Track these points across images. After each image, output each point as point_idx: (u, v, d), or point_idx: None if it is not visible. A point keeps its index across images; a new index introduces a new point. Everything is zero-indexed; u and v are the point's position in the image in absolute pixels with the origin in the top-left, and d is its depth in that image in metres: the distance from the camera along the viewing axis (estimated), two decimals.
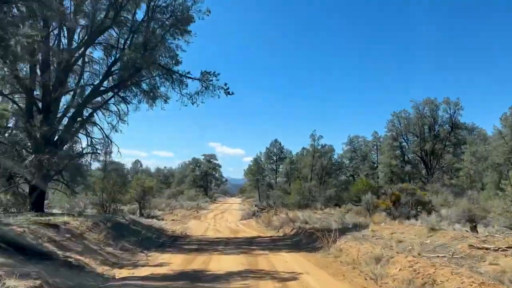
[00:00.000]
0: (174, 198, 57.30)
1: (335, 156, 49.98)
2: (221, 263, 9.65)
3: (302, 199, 37.32)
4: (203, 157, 77.92)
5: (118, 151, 17.91)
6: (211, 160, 78.00)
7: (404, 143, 45.21)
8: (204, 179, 77.37)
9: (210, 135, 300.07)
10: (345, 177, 49.79)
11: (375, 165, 49.40)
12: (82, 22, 15.01)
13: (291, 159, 54.23)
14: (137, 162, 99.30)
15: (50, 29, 14.15)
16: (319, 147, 45.13)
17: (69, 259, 7.78)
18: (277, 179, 58.26)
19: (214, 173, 79.71)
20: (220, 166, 79.56)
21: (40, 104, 14.33)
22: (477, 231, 12.33)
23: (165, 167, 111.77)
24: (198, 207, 45.84)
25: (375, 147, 49.52)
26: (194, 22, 16.01)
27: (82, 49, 15.18)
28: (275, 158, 57.78)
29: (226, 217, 37.39)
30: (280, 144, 57.78)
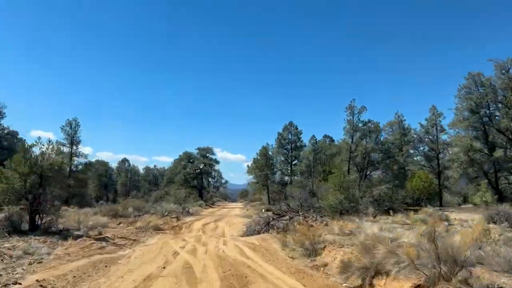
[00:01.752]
0: (161, 201, 45.11)
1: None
2: None
3: (345, 199, 22.86)
4: (197, 151, 63.42)
5: None
6: (207, 155, 63.34)
7: (486, 118, 30.71)
8: (198, 178, 62.91)
9: (210, 140, 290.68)
10: (393, 170, 35.07)
11: (437, 152, 34.67)
12: None
13: (314, 145, 39.56)
14: (124, 161, 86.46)
15: None
16: (361, 125, 30.60)
17: None
18: (293, 176, 43.72)
19: (210, 171, 65.02)
20: (218, 162, 64.77)
21: None
22: None
23: (155, 165, 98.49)
24: (183, 212, 31.51)
25: (434, 127, 34.87)
26: None
27: None
28: (289, 146, 43.16)
29: (221, 228, 22.82)
30: (296, 128, 43.16)
